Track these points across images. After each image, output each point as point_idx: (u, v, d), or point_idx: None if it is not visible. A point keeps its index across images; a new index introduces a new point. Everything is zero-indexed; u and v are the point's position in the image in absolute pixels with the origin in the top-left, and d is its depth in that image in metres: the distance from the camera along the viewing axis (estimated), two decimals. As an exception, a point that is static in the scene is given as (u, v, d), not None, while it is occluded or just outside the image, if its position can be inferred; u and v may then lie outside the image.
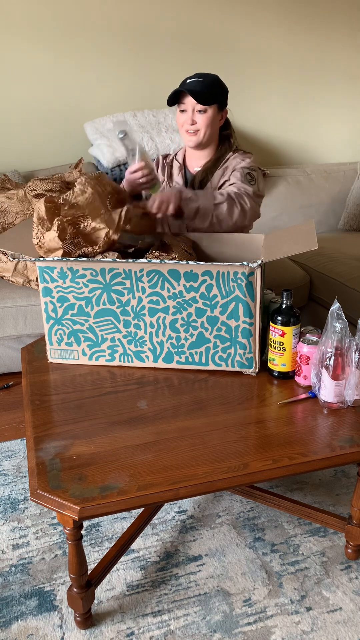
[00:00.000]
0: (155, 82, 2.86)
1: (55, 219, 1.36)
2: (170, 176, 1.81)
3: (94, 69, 2.74)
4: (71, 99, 2.75)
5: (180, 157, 1.82)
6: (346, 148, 3.37)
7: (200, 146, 1.72)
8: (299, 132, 3.23)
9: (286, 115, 3.17)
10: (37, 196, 2.23)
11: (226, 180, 1.71)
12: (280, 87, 3.11)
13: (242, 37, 2.92)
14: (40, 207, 1.40)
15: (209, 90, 1.64)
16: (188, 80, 1.65)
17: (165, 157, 1.87)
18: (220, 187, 1.72)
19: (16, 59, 2.61)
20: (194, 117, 1.67)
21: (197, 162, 1.79)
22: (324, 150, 3.33)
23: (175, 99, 1.66)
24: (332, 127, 3.30)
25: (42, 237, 1.37)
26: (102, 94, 2.79)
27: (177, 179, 1.80)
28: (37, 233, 1.38)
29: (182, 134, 1.73)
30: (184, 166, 1.81)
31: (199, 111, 1.66)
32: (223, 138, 1.77)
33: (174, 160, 1.83)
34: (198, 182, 1.76)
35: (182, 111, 1.68)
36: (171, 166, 1.82)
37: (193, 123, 1.67)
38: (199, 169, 1.78)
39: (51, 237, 1.35)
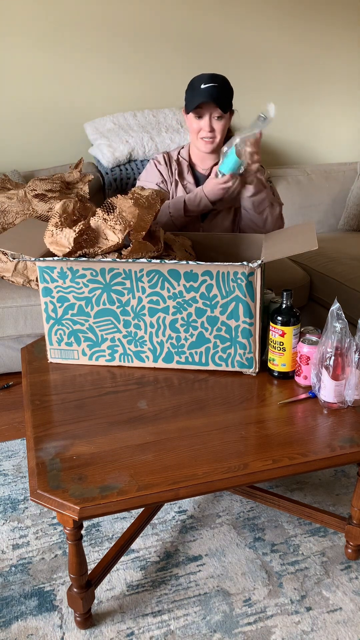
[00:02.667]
0: (155, 82, 2.86)
1: (81, 222, 1.36)
2: (180, 175, 1.79)
3: (94, 69, 2.74)
4: (71, 99, 2.75)
5: (186, 156, 1.81)
6: (346, 148, 3.37)
7: (214, 151, 1.71)
8: (299, 132, 3.23)
9: (286, 115, 3.17)
10: (37, 196, 2.23)
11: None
12: (280, 87, 3.11)
13: (242, 37, 2.92)
14: (69, 204, 1.41)
15: (226, 95, 1.63)
16: (203, 86, 1.60)
17: (167, 154, 1.83)
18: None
19: (16, 58, 2.61)
20: (212, 123, 1.64)
21: (203, 162, 1.78)
22: (324, 150, 3.33)
23: (193, 104, 1.63)
24: (332, 127, 3.30)
25: (59, 230, 1.36)
26: (102, 94, 2.79)
27: (188, 178, 1.78)
28: (57, 222, 1.37)
29: (195, 139, 1.70)
30: (190, 165, 1.80)
31: (217, 117, 1.64)
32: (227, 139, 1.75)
33: (180, 158, 1.81)
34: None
35: (199, 117, 1.64)
36: (179, 164, 1.80)
37: (211, 130, 1.65)
38: (206, 168, 1.77)
39: (68, 235, 1.34)
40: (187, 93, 1.67)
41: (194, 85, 1.64)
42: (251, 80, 3.02)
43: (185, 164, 1.80)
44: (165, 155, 1.83)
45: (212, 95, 1.60)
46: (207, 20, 2.83)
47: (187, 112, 1.66)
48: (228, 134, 1.76)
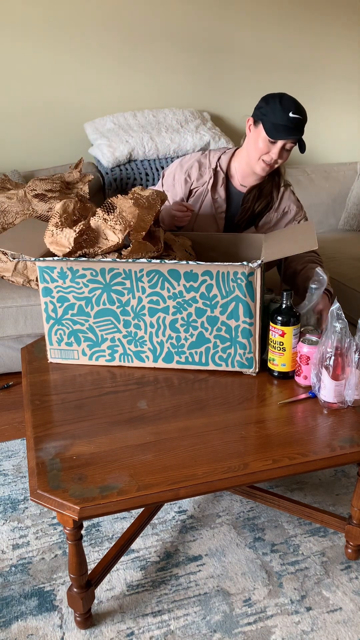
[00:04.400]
0: (155, 82, 2.86)
1: (81, 223, 1.36)
2: (214, 186, 1.71)
3: (94, 69, 2.74)
4: (71, 99, 2.75)
5: (224, 166, 1.72)
6: (346, 148, 3.37)
7: (267, 174, 1.66)
8: (299, 132, 3.23)
9: (286, 115, 3.17)
10: (37, 196, 2.23)
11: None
12: (280, 87, 3.08)
13: (241, 37, 2.92)
14: (69, 203, 1.41)
15: (303, 130, 1.57)
16: (292, 115, 1.52)
17: (204, 156, 1.73)
18: (274, 225, 1.72)
19: (16, 58, 2.61)
20: (283, 154, 1.59)
21: (243, 178, 1.70)
22: (324, 150, 3.33)
23: (282, 134, 1.55)
24: (332, 127, 3.30)
25: (59, 230, 1.36)
26: (102, 94, 2.79)
27: (220, 191, 1.71)
28: (57, 222, 1.36)
29: (256, 158, 1.62)
30: (226, 178, 1.72)
31: (287, 149, 1.59)
32: None
33: (219, 168, 1.71)
34: (257, 210, 1.71)
35: (273, 142, 1.57)
36: (216, 174, 1.71)
37: (279, 158, 1.60)
38: (245, 185, 1.71)
39: (68, 235, 1.34)
40: (269, 111, 1.55)
41: (281, 109, 1.53)
42: (251, 80, 3.02)
43: (221, 176, 1.71)
44: (198, 163, 1.73)
45: (299, 133, 1.54)
46: (208, 20, 2.83)
47: (270, 137, 1.55)
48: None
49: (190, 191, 1.74)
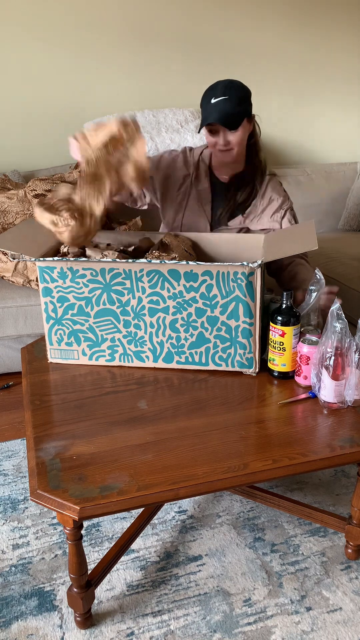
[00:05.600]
0: (156, 82, 2.86)
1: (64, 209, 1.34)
2: (197, 179, 1.73)
3: (94, 68, 2.74)
4: (71, 99, 2.75)
5: (206, 159, 1.75)
6: (346, 148, 3.37)
7: (234, 160, 1.66)
8: (299, 132, 3.23)
9: (286, 115, 3.17)
10: (37, 196, 2.23)
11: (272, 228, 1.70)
12: (280, 87, 3.11)
13: (242, 37, 2.92)
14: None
15: (238, 109, 1.55)
16: (213, 101, 1.53)
17: (189, 150, 1.76)
18: (260, 213, 1.72)
19: (16, 59, 2.61)
20: (227, 137, 1.58)
21: (223, 169, 1.72)
22: (324, 150, 3.33)
23: (204, 123, 1.57)
24: (332, 127, 3.30)
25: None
26: (102, 94, 2.79)
27: (204, 183, 1.73)
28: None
29: (214, 151, 1.65)
30: (209, 170, 1.75)
31: (231, 131, 1.58)
32: (250, 147, 1.68)
33: (201, 161, 1.74)
34: (240, 199, 1.71)
35: (213, 132, 1.59)
36: (198, 167, 1.74)
37: (226, 144, 1.60)
38: (225, 177, 1.73)
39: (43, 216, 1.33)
40: (202, 104, 1.60)
41: (207, 98, 1.57)
42: (251, 80, 2.98)
43: (204, 168, 1.74)
44: (183, 155, 1.76)
45: (220, 113, 1.53)
46: (207, 20, 2.83)
47: (198, 131, 1.59)
48: (251, 140, 1.68)
49: (168, 174, 1.76)
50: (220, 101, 1.54)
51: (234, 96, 1.55)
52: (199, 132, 1.64)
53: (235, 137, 1.59)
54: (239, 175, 1.72)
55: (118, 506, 1.01)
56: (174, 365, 1.44)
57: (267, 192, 1.74)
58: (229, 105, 1.54)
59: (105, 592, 1.32)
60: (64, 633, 1.22)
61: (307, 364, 1.32)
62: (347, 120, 3.31)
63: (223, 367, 1.42)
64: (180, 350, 1.42)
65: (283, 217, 1.73)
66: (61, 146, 2.79)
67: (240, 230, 1.75)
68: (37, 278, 2.13)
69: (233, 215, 1.75)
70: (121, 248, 1.56)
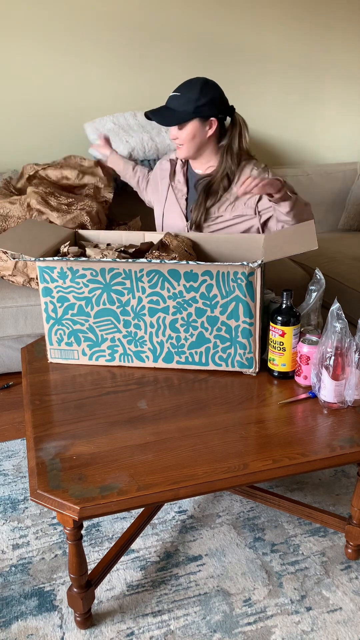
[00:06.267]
0: (155, 82, 2.86)
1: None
2: (173, 174, 1.81)
3: (94, 69, 2.74)
4: (71, 99, 2.75)
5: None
6: (346, 148, 3.37)
7: (189, 157, 1.72)
8: (299, 132, 3.23)
9: (286, 115, 3.17)
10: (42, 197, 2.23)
11: (246, 215, 1.70)
12: (281, 87, 3.10)
13: (242, 37, 2.92)
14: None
15: (184, 107, 1.60)
16: (171, 94, 1.63)
17: (172, 153, 1.87)
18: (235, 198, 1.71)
19: (16, 59, 2.61)
20: (173, 131, 1.66)
21: (196, 164, 1.78)
22: (324, 150, 3.33)
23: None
24: (332, 127, 3.30)
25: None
26: (102, 94, 2.79)
27: (179, 176, 1.79)
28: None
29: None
30: (186, 163, 1.80)
31: (178, 128, 1.64)
32: (224, 151, 1.70)
33: (178, 159, 1.82)
34: (203, 188, 1.72)
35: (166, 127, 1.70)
36: (176, 163, 1.81)
37: (175, 138, 1.67)
38: (201, 171, 1.76)
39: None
40: None
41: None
42: (251, 80, 3.02)
43: (180, 163, 1.81)
44: (170, 160, 1.85)
45: (158, 108, 1.63)
46: (207, 20, 2.83)
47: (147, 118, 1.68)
48: (221, 142, 1.70)
49: (155, 181, 1.89)
50: (171, 96, 1.63)
51: (185, 95, 1.61)
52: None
53: (181, 134, 1.66)
54: (209, 181, 1.72)
55: (118, 506, 1.01)
56: (174, 365, 1.44)
57: (242, 177, 1.71)
58: (174, 102, 1.62)
59: (105, 592, 1.32)
60: (64, 633, 1.22)
61: (307, 364, 1.32)
62: (347, 120, 3.31)
63: (223, 367, 1.42)
64: (180, 350, 1.42)
65: (258, 201, 1.69)
66: (61, 146, 2.79)
67: (217, 219, 1.75)
68: (37, 277, 2.13)
69: (207, 216, 1.75)
70: (122, 248, 1.56)
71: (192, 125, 1.64)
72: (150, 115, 1.64)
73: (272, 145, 3.20)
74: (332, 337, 1.22)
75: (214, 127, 1.66)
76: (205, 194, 1.72)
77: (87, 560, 1.22)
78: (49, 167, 2.40)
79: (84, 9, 2.63)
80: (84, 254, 1.51)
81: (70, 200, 2.23)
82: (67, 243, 1.54)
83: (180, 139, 1.66)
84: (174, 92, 1.63)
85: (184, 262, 1.31)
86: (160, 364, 1.44)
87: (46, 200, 2.20)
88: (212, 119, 1.65)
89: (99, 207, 2.26)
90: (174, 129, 1.66)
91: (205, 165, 1.76)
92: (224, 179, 1.70)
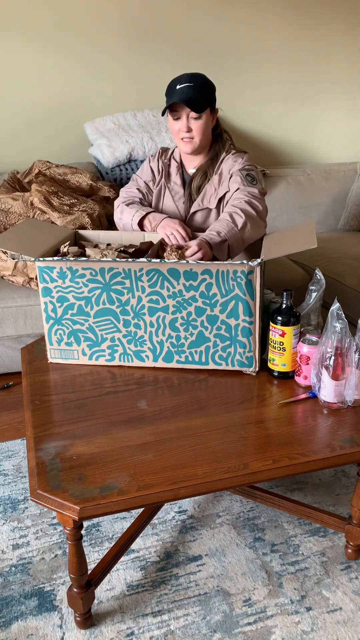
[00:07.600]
0: (155, 82, 2.85)
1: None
2: (168, 176, 1.80)
3: (93, 69, 2.74)
4: (71, 99, 2.75)
5: (177, 157, 1.80)
6: (346, 148, 3.37)
7: (195, 152, 1.71)
8: (299, 132, 3.23)
9: (286, 115, 3.17)
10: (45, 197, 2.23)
11: (227, 192, 1.67)
12: (280, 87, 3.10)
13: (242, 37, 2.92)
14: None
15: (202, 96, 1.61)
16: (178, 87, 1.60)
17: (164, 151, 1.83)
18: (221, 198, 1.69)
19: (16, 59, 2.61)
20: (189, 124, 1.64)
21: (192, 163, 1.77)
22: (324, 150, 3.33)
23: (168, 104, 1.63)
24: (332, 127, 3.29)
25: None
26: (102, 94, 2.79)
27: (175, 178, 1.78)
28: None
29: (177, 140, 1.70)
30: (181, 166, 1.79)
31: (194, 118, 1.62)
32: (215, 137, 1.74)
33: (172, 159, 1.80)
34: (196, 186, 1.73)
35: (176, 119, 1.64)
36: (169, 165, 1.80)
37: (188, 130, 1.64)
38: (192, 169, 1.76)
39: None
40: (166, 94, 1.66)
41: (171, 85, 1.63)
42: (251, 80, 3.01)
43: (175, 165, 1.79)
44: (161, 151, 1.82)
45: (184, 95, 1.58)
46: (207, 20, 2.83)
47: (162, 114, 1.64)
48: (216, 132, 1.73)
49: (153, 172, 1.81)
50: (185, 87, 1.61)
51: (198, 84, 1.62)
52: (163, 115, 1.66)
53: (197, 125, 1.64)
54: (207, 165, 1.74)
55: (118, 506, 1.01)
56: (174, 365, 1.44)
57: (223, 168, 1.72)
58: (192, 91, 1.60)
59: (105, 592, 1.32)
60: (64, 633, 1.22)
61: (307, 364, 1.32)
62: (347, 120, 3.31)
63: (223, 366, 1.42)
64: (180, 349, 1.42)
65: (231, 178, 1.69)
66: (61, 146, 2.79)
67: (202, 210, 1.74)
68: (37, 277, 2.13)
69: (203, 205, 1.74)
70: (121, 248, 1.56)
71: (206, 115, 1.64)
72: (179, 101, 1.58)
73: (272, 145, 3.20)
74: (332, 337, 1.22)
75: (215, 118, 1.70)
76: (196, 193, 1.73)
77: (87, 560, 1.21)
78: (61, 166, 2.40)
79: (84, 10, 2.63)
80: (83, 254, 1.51)
81: (73, 201, 2.23)
82: (67, 243, 1.54)
83: (194, 130, 1.64)
84: (184, 83, 1.60)
85: (184, 261, 1.31)
86: (160, 363, 1.44)
87: (48, 199, 2.20)
88: (216, 109, 1.69)
89: (101, 211, 2.26)
90: (184, 121, 1.63)
91: (196, 164, 1.75)
92: (209, 168, 1.72)
